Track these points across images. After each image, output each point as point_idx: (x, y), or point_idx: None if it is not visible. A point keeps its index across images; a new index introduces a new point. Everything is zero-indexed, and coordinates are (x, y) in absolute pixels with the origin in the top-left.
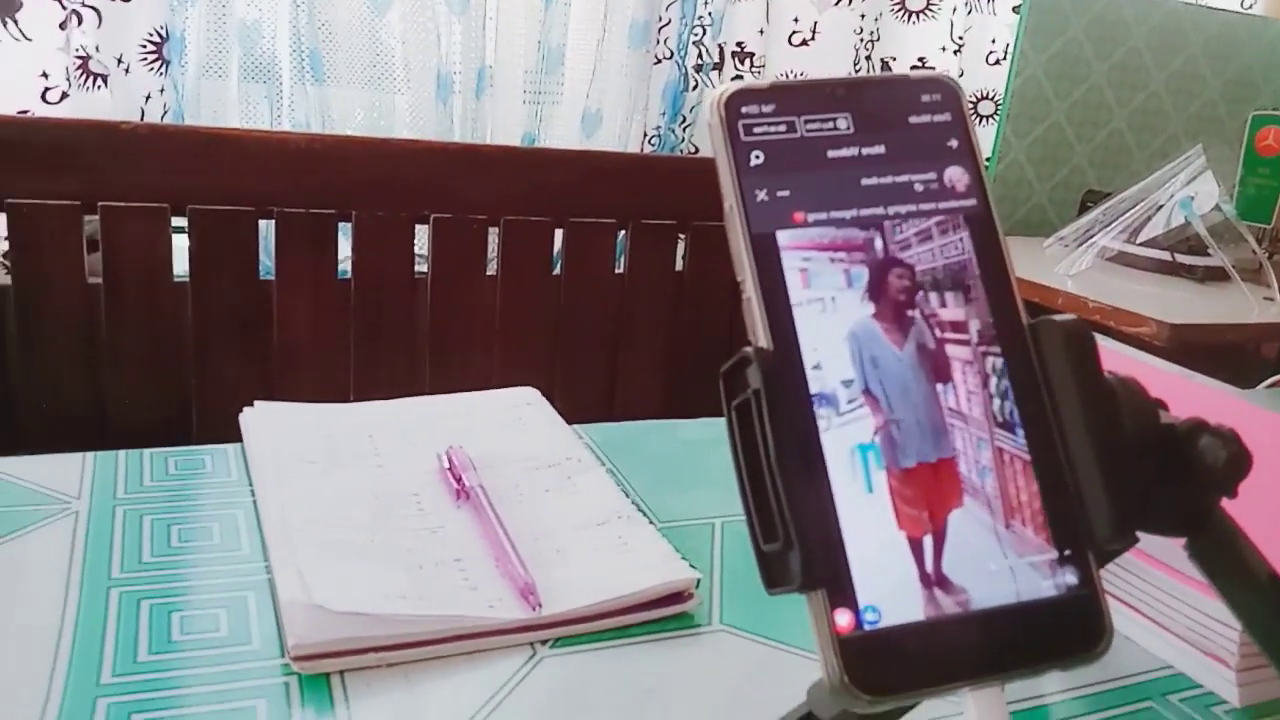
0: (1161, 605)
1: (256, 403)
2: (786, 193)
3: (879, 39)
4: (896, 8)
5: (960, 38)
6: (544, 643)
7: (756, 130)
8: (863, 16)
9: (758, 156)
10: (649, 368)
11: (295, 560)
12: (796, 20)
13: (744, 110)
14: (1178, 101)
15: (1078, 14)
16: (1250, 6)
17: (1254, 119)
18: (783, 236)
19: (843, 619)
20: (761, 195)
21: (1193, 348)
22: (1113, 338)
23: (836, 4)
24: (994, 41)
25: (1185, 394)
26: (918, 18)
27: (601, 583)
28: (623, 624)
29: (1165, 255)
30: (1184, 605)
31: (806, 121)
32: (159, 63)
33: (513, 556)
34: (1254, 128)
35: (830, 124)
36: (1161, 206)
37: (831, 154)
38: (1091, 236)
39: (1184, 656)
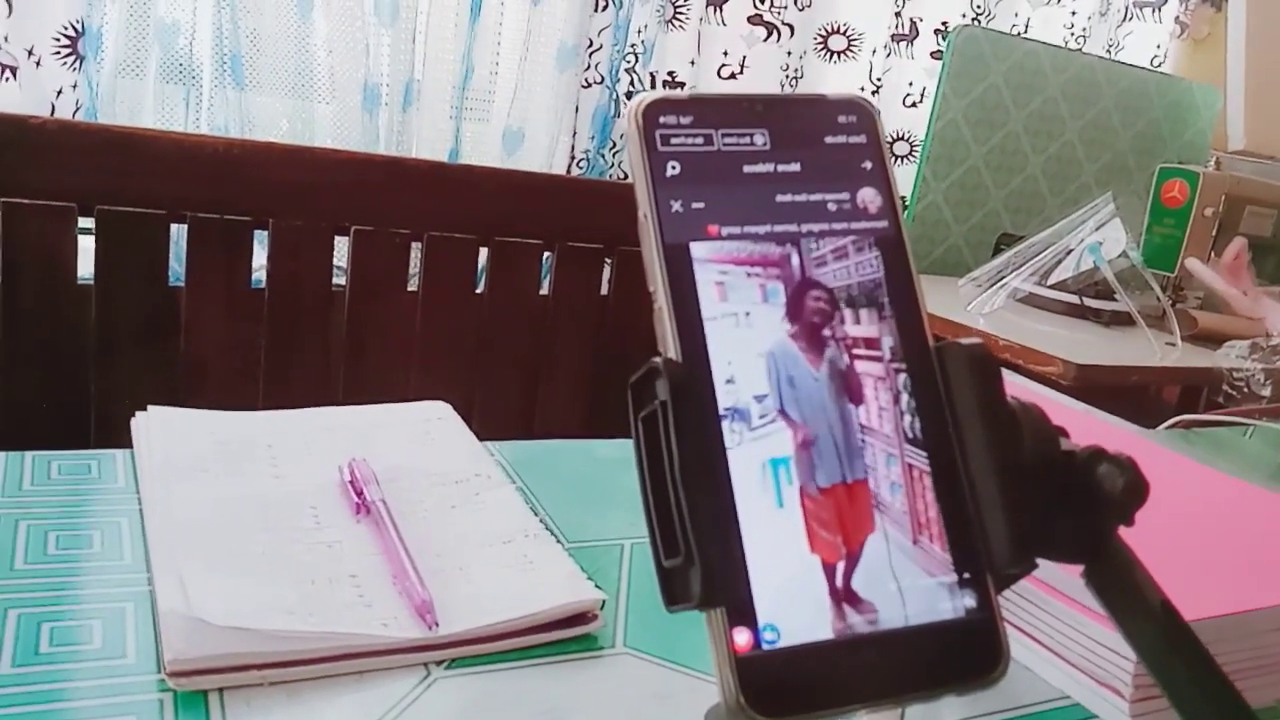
0: (1058, 634)
1: (151, 407)
2: (701, 205)
3: (803, 76)
4: (820, 47)
5: (879, 79)
6: (439, 663)
7: (674, 141)
8: (789, 54)
9: (674, 167)
10: (570, 391)
11: (177, 569)
12: (726, 54)
13: (662, 120)
14: (1090, 151)
15: (999, 61)
16: (1159, 65)
17: (1161, 171)
18: (696, 249)
19: (741, 638)
20: (676, 206)
21: (1098, 388)
22: (1022, 375)
23: (765, 40)
24: (911, 84)
25: (1090, 430)
26: (839, 58)
27: (503, 602)
28: (523, 645)
29: (1074, 298)
30: (1080, 635)
31: (724, 135)
32: (73, 57)
33: (411, 573)
34: (1160, 179)
35: (747, 139)
36: (1071, 251)
37: (747, 169)
38: (1004, 278)
39: (1079, 686)
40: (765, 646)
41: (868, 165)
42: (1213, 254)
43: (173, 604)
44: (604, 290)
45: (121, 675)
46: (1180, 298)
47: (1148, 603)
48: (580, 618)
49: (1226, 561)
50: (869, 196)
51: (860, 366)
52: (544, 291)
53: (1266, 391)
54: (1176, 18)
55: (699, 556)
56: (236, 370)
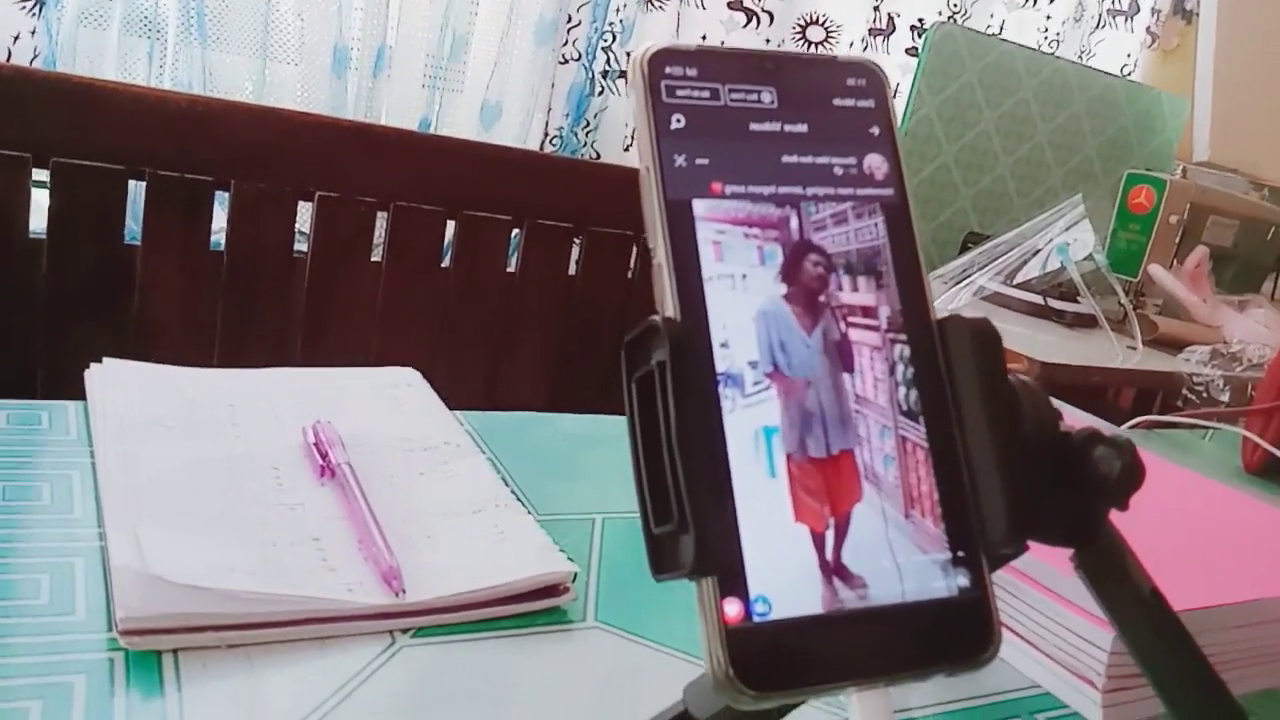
0: (1033, 624)
1: (107, 359)
2: (705, 161)
3: None
4: (798, 36)
5: None
6: (405, 631)
7: (679, 93)
8: (767, 41)
9: (678, 120)
10: (534, 370)
11: (133, 525)
12: (705, 38)
13: (668, 71)
14: (1058, 155)
15: (974, 60)
16: (1129, 74)
17: (1128, 177)
18: (699, 206)
19: (732, 609)
20: (680, 160)
21: (1060, 387)
22: None
23: (744, 26)
24: None
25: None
26: (817, 48)
27: (473, 571)
28: (492, 616)
29: (1038, 299)
30: (1054, 624)
31: (730, 91)
32: (33, 3)
33: (377, 538)
34: (1128, 185)
35: (754, 96)
36: (1038, 251)
37: (754, 127)
38: (969, 275)
39: (1052, 676)
40: (756, 619)
41: (875, 130)
42: (1175, 261)
43: (126, 559)
44: (572, 270)
45: (70, 633)
46: (1141, 303)
47: (1138, 589)
48: (551, 590)
49: (1198, 556)
50: (876, 163)
51: (856, 335)
52: (511, 269)
53: (1225, 397)
54: (1148, 28)
55: (693, 523)
56: (191, 334)
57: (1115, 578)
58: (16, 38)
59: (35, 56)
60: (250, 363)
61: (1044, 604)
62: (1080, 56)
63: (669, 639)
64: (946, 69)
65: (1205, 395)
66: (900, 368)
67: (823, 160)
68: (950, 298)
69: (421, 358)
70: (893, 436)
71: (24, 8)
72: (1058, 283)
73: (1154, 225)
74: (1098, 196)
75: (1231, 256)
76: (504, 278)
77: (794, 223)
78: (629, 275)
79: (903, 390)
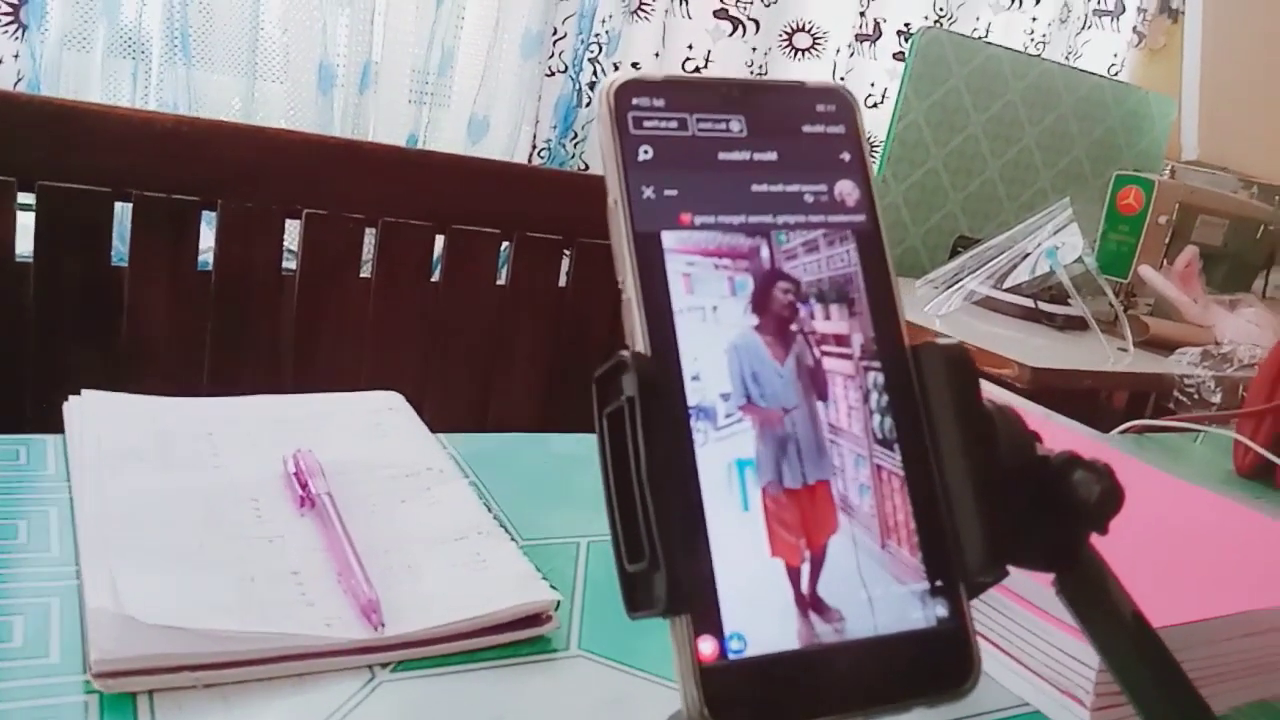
0: (1019, 640)
1: (85, 391)
2: (674, 192)
3: (766, 72)
4: (784, 44)
5: (842, 78)
6: (385, 665)
7: (647, 124)
8: (754, 49)
9: (646, 151)
10: (525, 384)
11: (108, 564)
12: (691, 47)
13: (635, 102)
14: (1047, 157)
15: (960, 64)
16: (1116, 74)
17: (1117, 178)
18: (668, 238)
19: (706, 647)
20: (648, 192)
21: (1051, 391)
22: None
23: (730, 35)
24: (873, 85)
25: (1049, 435)
26: (804, 55)
27: (453, 602)
28: (473, 647)
29: (1028, 302)
30: (1042, 642)
31: (699, 120)
32: (15, 26)
33: (356, 570)
34: (1116, 186)
35: (723, 125)
36: (1028, 255)
37: (723, 156)
38: (960, 280)
39: (1040, 694)
40: (731, 656)
41: (846, 157)
42: (1165, 261)
43: (101, 601)
44: (562, 282)
45: (45, 676)
46: (1131, 304)
47: (1119, 614)
48: (534, 619)
49: (1187, 568)
50: (847, 189)
51: (829, 363)
52: (501, 282)
53: (1216, 398)
54: (1134, 27)
55: (664, 562)
56: (181, 354)
57: (1096, 602)
58: None
59: (19, 80)
60: (241, 381)
61: (1031, 621)
62: (1067, 58)
63: (655, 667)
64: (933, 73)
65: (1197, 397)
66: (874, 395)
67: (793, 188)
68: (941, 302)
69: (412, 373)
70: (868, 465)
71: (6, 31)
72: (1048, 286)
73: (1143, 226)
74: (1087, 198)
75: (1221, 255)
76: (494, 291)
77: (764, 252)
78: (619, 285)
79: (877, 418)
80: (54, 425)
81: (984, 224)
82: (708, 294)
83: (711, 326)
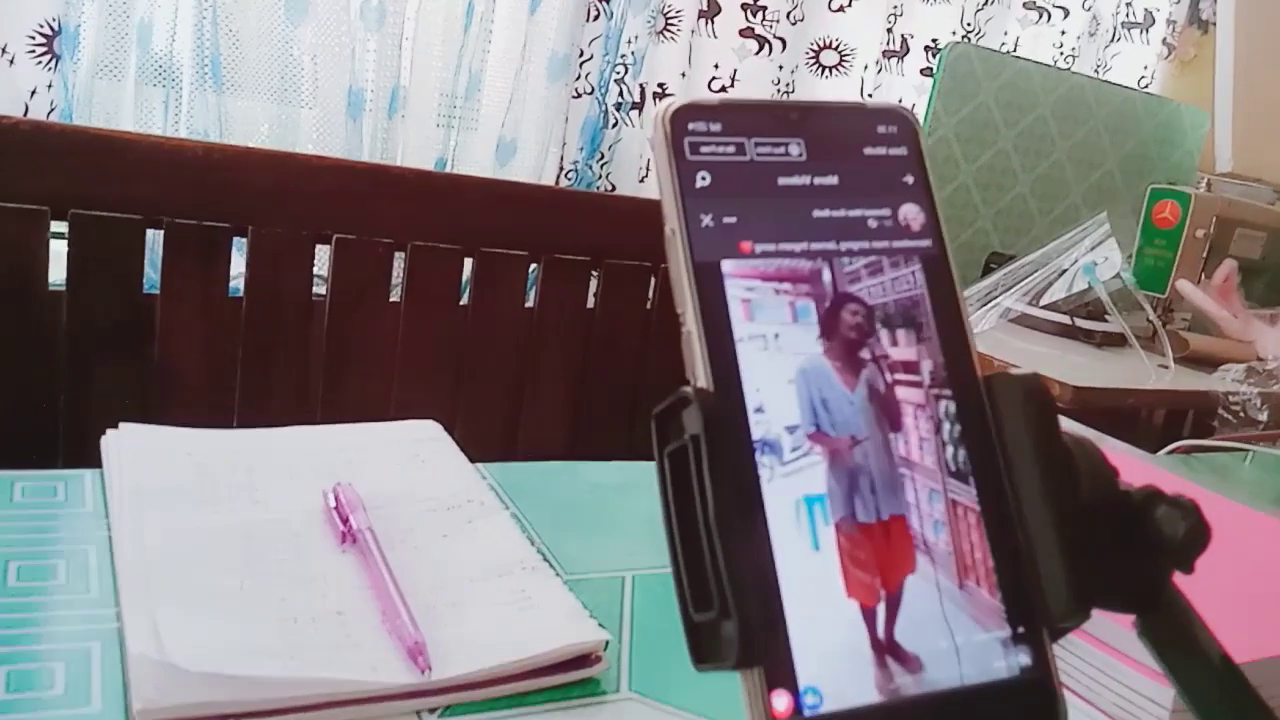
0: (1089, 680)
1: (123, 425)
2: (733, 219)
3: (794, 90)
4: (811, 62)
5: (870, 95)
6: (432, 710)
7: (704, 149)
8: (780, 67)
9: (704, 178)
10: (555, 406)
11: (150, 608)
12: (717, 66)
13: (691, 127)
14: (1079, 171)
15: (989, 79)
16: (1147, 86)
17: (1152, 192)
18: (728, 266)
19: (780, 702)
20: (706, 220)
21: (1094, 410)
22: None
23: (756, 53)
24: (901, 101)
25: None
26: (831, 72)
27: (500, 643)
28: (521, 690)
29: (1065, 319)
30: (1112, 681)
31: (757, 144)
32: (49, 56)
33: (401, 611)
34: (1151, 200)
35: (782, 149)
36: (1064, 271)
37: (782, 181)
38: (995, 297)
39: None
40: (807, 713)
41: (909, 179)
42: (1203, 276)
43: (143, 647)
44: (590, 304)
45: None
46: (1169, 319)
47: (1205, 655)
48: (582, 660)
49: (1258, 598)
50: (911, 213)
51: (899, 392)
52: (529, 304)
53: (1263, 416)
54: (1164, 39)
55: (736, 610)
56: (212, 381)
57: (1182, 645)
58: (34, 92)
59: (52, 109)
60: (273, 405)
61: (1101, 660)
62: (1097, 71)
63: (707, 709)
64: (962, 89)
65: (1242, 414)
66: (947, 426)
67: (855, 213)
68: (977, 320)
69: (441, 396)
70: (942, 500)
71: (40, 62)
72: (1084, 302)
73: (1180, 240)
74: (1120, 212)
75: (1260, 268)
76: (522, 313)
77: (827, 275)
78: (648, 306)
79: (950, 450)
80: (88, 449)
81: (1016, 239)
82: (768, 320)
83: (774, 355)
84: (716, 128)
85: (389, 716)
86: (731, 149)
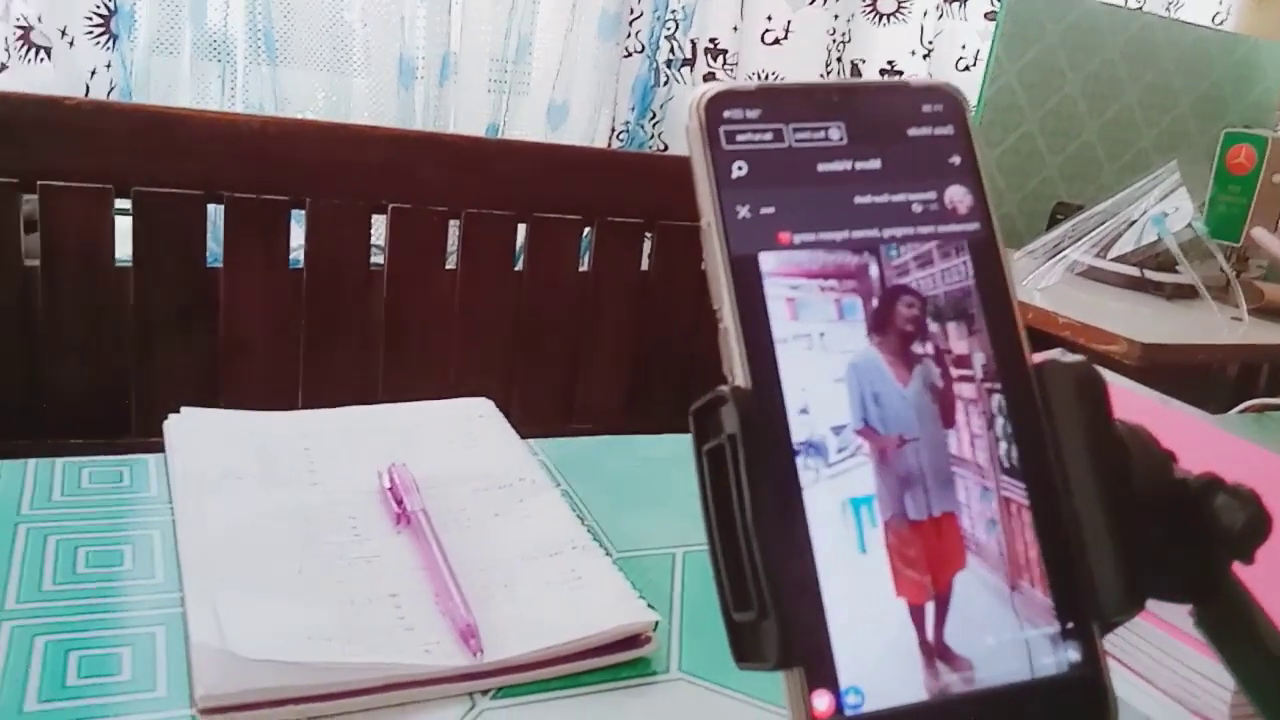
0: (1147, 659)
1: (184, 409)
2: (771, 209)
3: (850, 40)
4: (868, 10)
5: (930, 42)
6: (485, 692)
7: (740, 138)
8: (835, 17)
9: (740, 168)
10: (611, 368)
11: (211, 594)
12: (770, 18)
13: (727, 115)
14: (1149, 116)
15: (1054, 22)
16: (1222, 23)
17: (1226, 136)
18: (766, 259)
19: (821, 702)
20: (744, 212)
21: (1163, 367)
22: (1084, 355)
23: (810, 3)
24: (964, 47)
25: (1161, 421)
26: (889, 20)
27: (551, 624)
28: (573, 671)
29: (1134, 271)
30: (1172, 660)
31: (795, 130)
32: (106, 36)
33: (454, 593)
34: (1226, 145)
35: (822, 134)
36: (1133, 222)
37: (822, 167)
38: (1061, 250)
39: (1170, 714)
40: (849, 712)
41: (956, 160)
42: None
43: (205, 635)
44: (644, 266)
45: (153, 711)
46: (1243, 269)
47: (1265, 644)
48: (632, 640)
49: None
50: (958, 195)
51: (954, 388)
52: (583, 268)
53: None
54: None
55: (775, 611)
56: (276, 351)
57: (1240, 635)
58: (94, 72)
59: (112, 88)
60: (335, 374)
61: (1160, 638)
62: (1168, 9)
63: (758, 690)
64: (1025, 33)
65: None
66: (999, 421)
67: (899, 198)
68: (1042, 275)
69: (498, 362)
70: (995, 498)
71: (98, 43)
72: (1154, 253)
73: (1256, 186)
74: (1192, 158)
75: None
76: (577, 277)
77: (874, 270)
78: (701, 267)
79: (1003, 446)
80: (157, 425)
81: (1083, 188)
82: (814, 319)
83: (819, 354)
84: (754, 114)
85: (443, 698)
86: (769, 136)
